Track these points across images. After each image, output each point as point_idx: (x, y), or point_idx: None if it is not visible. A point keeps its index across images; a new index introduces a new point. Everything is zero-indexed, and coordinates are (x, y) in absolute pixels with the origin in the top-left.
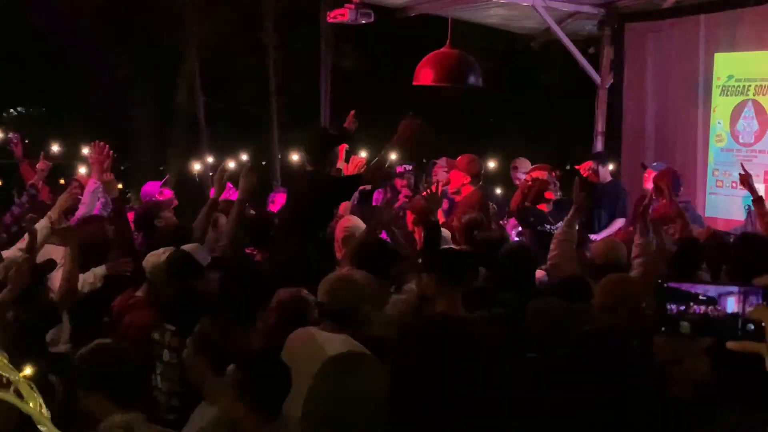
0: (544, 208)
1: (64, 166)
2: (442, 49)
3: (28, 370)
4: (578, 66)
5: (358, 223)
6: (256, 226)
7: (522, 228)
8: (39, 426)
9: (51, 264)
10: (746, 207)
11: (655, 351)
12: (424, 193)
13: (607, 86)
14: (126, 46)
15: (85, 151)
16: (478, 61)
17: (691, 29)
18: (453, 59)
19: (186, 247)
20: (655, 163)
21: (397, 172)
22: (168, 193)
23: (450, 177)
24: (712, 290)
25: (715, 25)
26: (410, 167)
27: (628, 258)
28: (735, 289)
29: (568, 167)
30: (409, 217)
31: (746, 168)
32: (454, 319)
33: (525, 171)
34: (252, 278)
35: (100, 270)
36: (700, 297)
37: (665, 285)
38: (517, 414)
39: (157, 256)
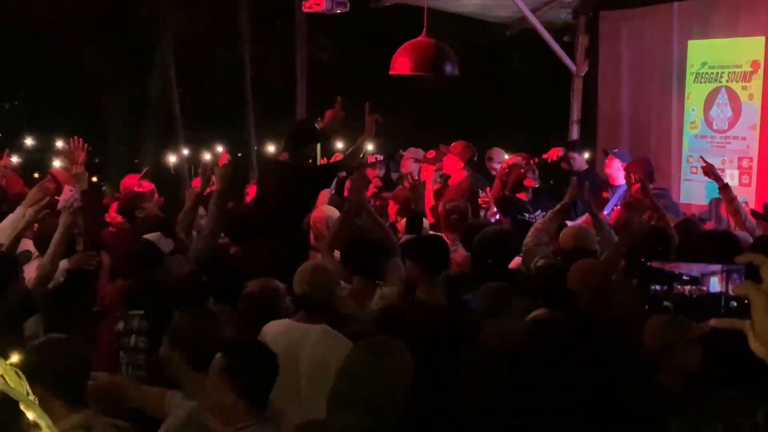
0: (524, 196)
1: (37, 160)
2: (418, 39)
3: (14, 358)
4: (553, 54)
5: (333, 213)
6: (233, 219)
7: (501, 216)
8: (27, 412)
9: (26, 255)
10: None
11: (646, 338)
12: (406, 184)
13: (582, 74)
14: (99, 39)
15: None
16: (453, 50)
17: (665, 17)
18: (429, 48)
19: (149, 235)
20: (617, 150)
21: (369, 162)
22: (147, 186)
23: (444, 162)
24: (695, 270)
25: (688, 12)
26: (381, 157)
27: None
28: (718, 268)
29: (543, 155)
30: (392, 208)
31: (720, 155)
32: (427, 306)
33: (499, 161)
34: (228, 272)
35: (63, 263)
36: (684, 277)
37: (648, 265)
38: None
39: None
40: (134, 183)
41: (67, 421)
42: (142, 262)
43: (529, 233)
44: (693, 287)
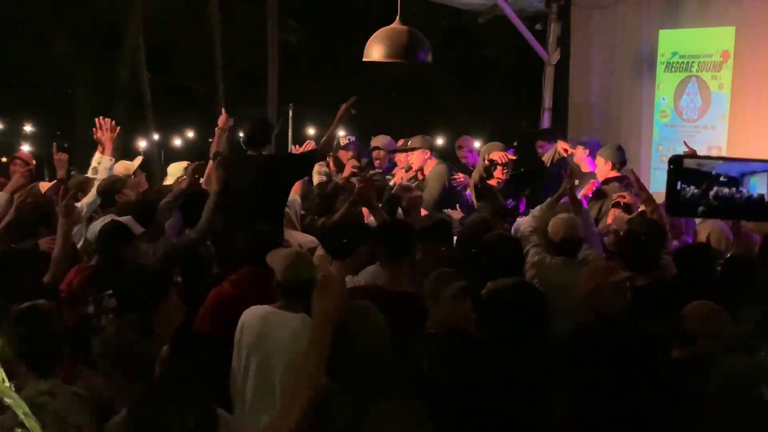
0: (494, 183)
1: (4, 144)
2: (392, 26)
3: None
4: (525, 42)
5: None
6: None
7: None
8: (4, 398)
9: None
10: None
11: (685, 319)
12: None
13: (554, 63)
14: (68, 22)
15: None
16: (425, 36)
17: (636, 6)
18: (403, 35)
19: (120, 218)
20: (586, 138)
21: (341, 144)
22: (139, 176)
23: (410, 160)
24: (734, 170)
25: (659, 2)
26: (353, 138)
27: None
28: (760, 167)
29: (515, 144)
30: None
31: (689, 144)
32: (378, 292)
33: (470, 150)
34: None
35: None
36: (721, 179)
37: (681, 164)
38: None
39: (98, 226)
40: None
41: (34, 386)
42: (111, 243)
43: (527, 220)
44: (732, 189)
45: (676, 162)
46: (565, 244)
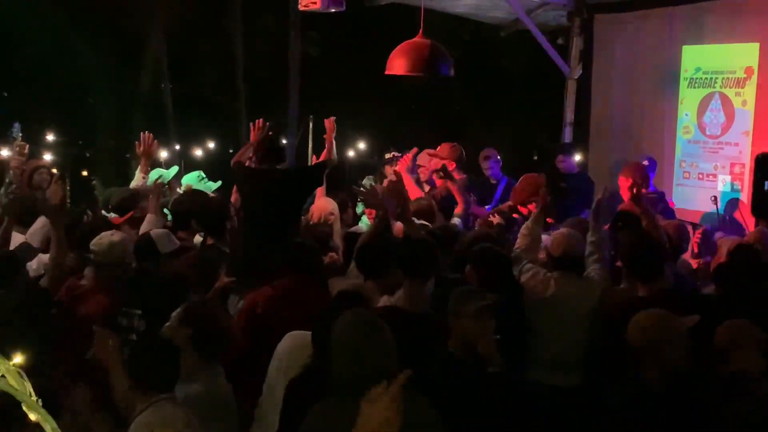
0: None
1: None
2: (414, 39)
3: (17, 359)
4: (547, 56)
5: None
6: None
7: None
8: (29, 413)
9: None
10: (712, 198)
11: (632, 335)
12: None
13: (576, 77)
14: (91, 31)
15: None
16: (446, 50)
17: (660, 21)
18: (426, 49)
19: (155, 231)
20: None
21: (386, 158)
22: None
23: (433, 166)
24: None
25: (683, 17)
26: (398, 154)
27: None
28: None
29: (535, 157)
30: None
31: (712, 160)
32: (394, 313)
33: (496, 161)
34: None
35: (44, 258)
36: None
37: None
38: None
39: (108, 238)
40: None
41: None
42: (140, 258)
43: (518, 239)
44: None
45: (764, 161)
46: (564, 259)
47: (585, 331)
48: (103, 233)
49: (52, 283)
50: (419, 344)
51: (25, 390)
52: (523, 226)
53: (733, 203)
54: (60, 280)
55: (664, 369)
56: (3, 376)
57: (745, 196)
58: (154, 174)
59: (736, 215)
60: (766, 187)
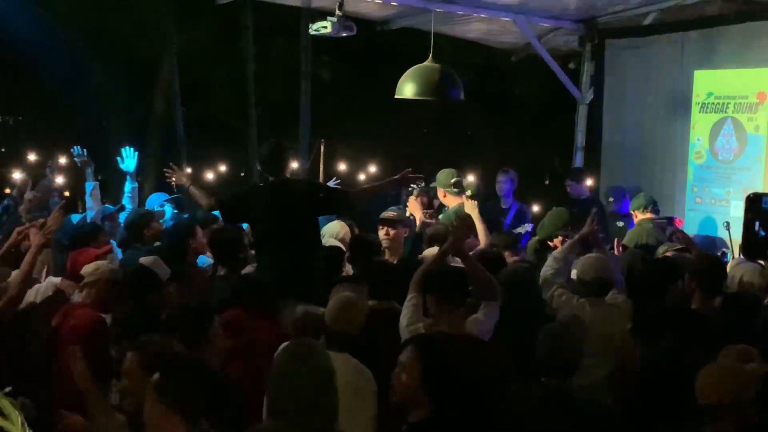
0: None
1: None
2: (424, 63)
3: (8, 388)
4: (558, 81)
5: None
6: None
7: None
8: None
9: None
10: (724, 224)
11: (706, 389)
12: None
13: (587, 102)
14: (104, 55)
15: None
16: (457, 74)
17: (671, 46)
18: (436, 73)
19: (144, 260)
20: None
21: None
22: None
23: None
24: None
25: (694, 42)
26: (422, 184)
27: None
28: None
29: (546, 182)
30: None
31: (725, 185)
32: (452, 337)
33: (511, 182)
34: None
35: (56, 279)
36: None
37: (761, 203)
38: None
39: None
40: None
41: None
42: (138, 291)
43: (547, 263)
44: None
45: (754, 201)
46: (595, 284)
47: (617, 356)
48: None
49: (12, 301)
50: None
51: (16, 419)
52: (557, 250)
53: None
54: (19, 301)
55: (740, 422)
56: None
57: None
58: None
59: None
60: (756, 228)
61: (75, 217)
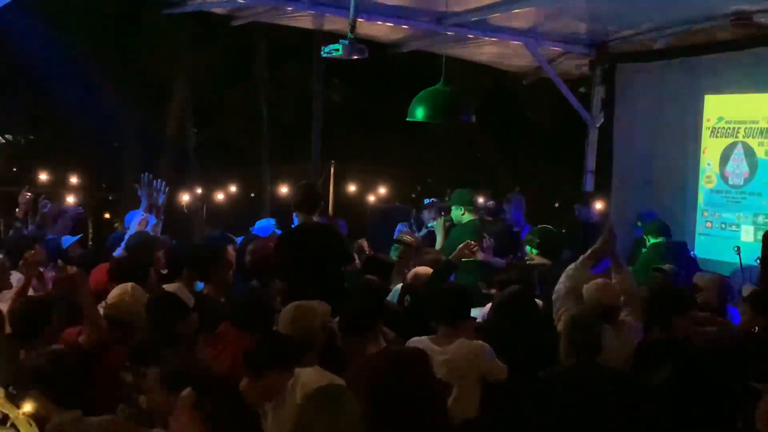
0: None
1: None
2: (436, 86)
3: (27, 407)
4: (569, 105)
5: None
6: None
7: None
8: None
9: None
10: (735, 248)
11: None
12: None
13: (598, 125)
14: (117, 76)
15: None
16: (468, 96)
17: (682, 71)
18: (447, 96)
19: (170, 286)
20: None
21: (425, 204)
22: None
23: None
24: None
25: (705, 67)
26: (435, 200)
27: None
28: None
29: (556, 204)
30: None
31: (735, 210)
32: None
33: (517, 207)
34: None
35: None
36: None
37: None
38: None
39: (122, 290)
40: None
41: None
42: (166, 318)
43: (561, 279)
44: None
45: None
46: (602, 310)
47: None
48: (120, 286)
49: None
50: None
51: None
52: (571, 267)
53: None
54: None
55: None
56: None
57: None
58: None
59: None
60: None
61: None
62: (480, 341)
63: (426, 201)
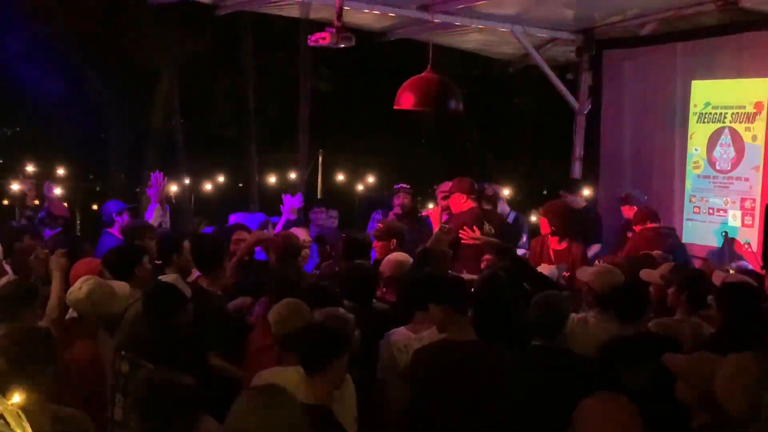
0: None
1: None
2: (423, 74)
3: (16, 398)
4: (556, 91)
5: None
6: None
7: None
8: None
9: None
10: (723, 234)
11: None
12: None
13: (585, 112)
14: (103, 67)
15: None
16: (455, 85)
17: (669, 56)
18: (434, 84)
19: (166, 277)
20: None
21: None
22: (125, 219)
23: (451, 202)
24: None
25: (692, 52)
26: (406, 186)
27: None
28: None
29: (544, 192)
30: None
31: (722, 195)
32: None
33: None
34: None
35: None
36: None
37: None
38: None
39: (76, 291)
40: (114, 209)
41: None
42: (165, 308)
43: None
44: None
45: None
46: (604, 296)
47: None
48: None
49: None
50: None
51: (23, 430)
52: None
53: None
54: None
55: None
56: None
57: (755, 232)
58: None
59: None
60: None
61: None
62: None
63: (396, 186)
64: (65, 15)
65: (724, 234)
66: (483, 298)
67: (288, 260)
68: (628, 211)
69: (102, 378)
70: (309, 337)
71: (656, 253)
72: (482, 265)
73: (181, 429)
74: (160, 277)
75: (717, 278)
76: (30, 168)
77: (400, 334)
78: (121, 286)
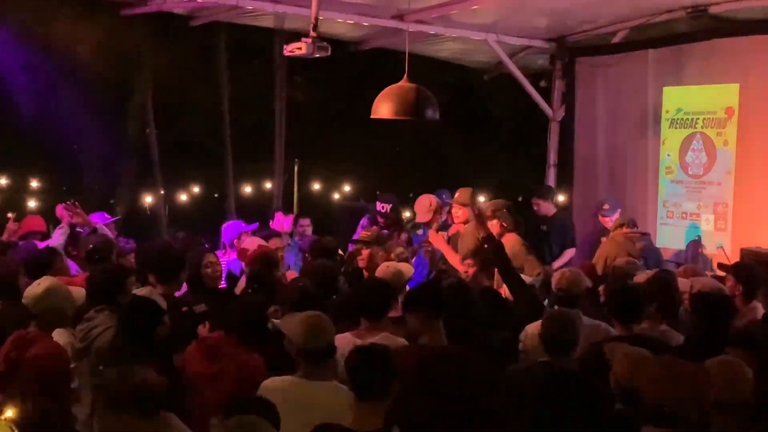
0: None
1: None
2: (399, 83)
3: (9, 413)
4: (530, 99)
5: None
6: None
7: None
8: None
9: None
10: (696, 237)
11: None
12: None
13: (559, 119)
14: (76, 77)
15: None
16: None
17: (640, 64)
18: (411, 93)
19: (141, 291)
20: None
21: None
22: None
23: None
24: None
25: (663, 59)
26: (391, 196)
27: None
28: None
29: (520, 199)
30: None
31: (695, 199)
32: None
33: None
34: None
35: None
36: None
37: None
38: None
39: (35, 288)
40: (100, 220)
41: None
42: (147, 323)
43: None
44: None
45: None
46: (564, 296)
47: None
48: (32, 284)
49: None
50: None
51: None
52: None
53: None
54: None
55: None
56: None
57: (728, 236)
58: None
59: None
60: None
61: None
62: (402, 339)
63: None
64: (36, 24)
65: (697, 238)
66: (451, 305)
67: (268, 272)
68: (606, 221)
69: (65, 372)
70: (371, 362)
71: (627, 258)
72: (462, 269)
73: (145, 424)
74: (135, 291)
75: (684, 285)
76: (3, 181)
77: (344, 339)
78: (76, 290)
